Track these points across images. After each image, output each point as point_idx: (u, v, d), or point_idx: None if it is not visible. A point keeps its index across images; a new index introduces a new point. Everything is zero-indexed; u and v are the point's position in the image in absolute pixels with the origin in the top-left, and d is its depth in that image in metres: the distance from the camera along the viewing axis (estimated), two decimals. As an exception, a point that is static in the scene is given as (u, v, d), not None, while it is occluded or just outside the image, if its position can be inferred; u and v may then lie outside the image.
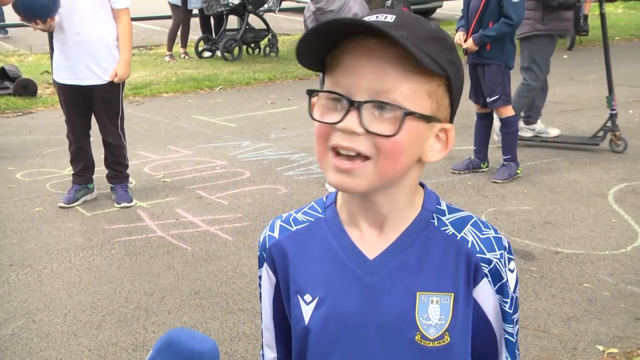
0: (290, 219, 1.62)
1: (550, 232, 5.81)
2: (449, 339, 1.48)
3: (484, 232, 1.51)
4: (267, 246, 1.61)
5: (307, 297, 1.52)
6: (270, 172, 7.40)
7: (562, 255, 5.38)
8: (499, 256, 1.50)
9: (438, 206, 1.54)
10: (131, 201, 6.57)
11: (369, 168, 1.39)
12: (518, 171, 6.85)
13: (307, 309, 1.52)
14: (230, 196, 6.74)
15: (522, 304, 4.69)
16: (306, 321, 1.53)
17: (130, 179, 6.80)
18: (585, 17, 12.69)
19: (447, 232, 1.51)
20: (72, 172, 6.67)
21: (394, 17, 1.38)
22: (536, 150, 7.73)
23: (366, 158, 1.38)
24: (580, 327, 4.44)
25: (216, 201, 6.64)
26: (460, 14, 6.98)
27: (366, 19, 1.39)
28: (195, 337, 1.18)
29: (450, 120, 1.48)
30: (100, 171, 6.71)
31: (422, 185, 1.56)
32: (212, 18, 13.61)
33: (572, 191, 6.61)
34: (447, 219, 1.52)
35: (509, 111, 6.79)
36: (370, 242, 1.51)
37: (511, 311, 1.55)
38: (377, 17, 1.39)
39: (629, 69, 11.48)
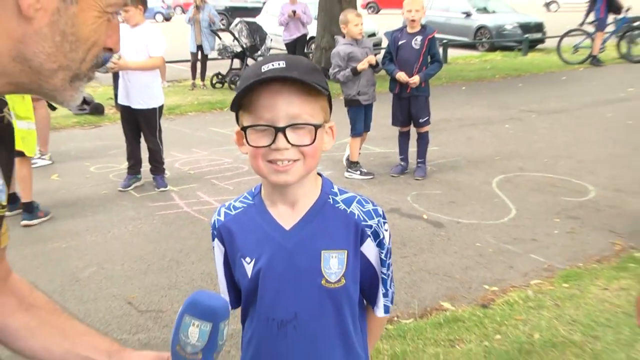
0: (231, 206, 1.61)
1: (454, 208, 5.83)
2: (344, 281, 1.50)
3: (365, 206, 1.53)
4: (217, 226, 1.61)
5: (248, 259, 1.53)
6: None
7: (462, 224, 5.41)
8: (377, 222, 1.52)
9: (332, 189, 1.56)
10: (166, 187, 6.54)
11: (299, 166, 1.42)
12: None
13: (248, 267, 1.53)
14: (234, 183, 6.69)
15: (434, 258, 4.77)
16: (249, 275, 1.53)
17: (166, 171, 6.75)
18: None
19: (339, 207, 1.52)
20: (127, 166, 6.65)
21: (284, 62, 1.38)
22: (444, 151, 7.74)
23: (297, 160, 1.41)
24: (474, 273, 4.49)
25: (224, 186, 6.60)
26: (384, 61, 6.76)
27: (264, 67, 1.39)
28: (212, 296, 1.19)
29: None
30: (146, 166, 6.67)
31: (320, 175, 1.57)
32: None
33: (468, 180, 6.65)
34: (339, 199, 1.54)
35: (427, 128, 6.80)
36: (286, 218, 1.51)
37: (386, 258, 1.57)
38: (272, 64, 1.38)
39: (504, 96, 11.55)
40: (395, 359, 3.38)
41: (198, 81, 13.49)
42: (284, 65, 1.38)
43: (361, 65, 6.39)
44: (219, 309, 1.15)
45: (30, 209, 5.58)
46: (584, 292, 4.11)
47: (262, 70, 1.39)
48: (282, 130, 1.38)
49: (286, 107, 1.37)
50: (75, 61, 1.01)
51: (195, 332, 1.13)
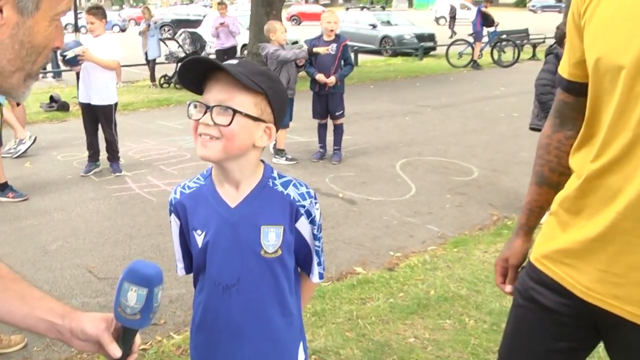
0: (185, 186, 1.56)
1: (365, 187, 5.81)
2: (280, 252, 1.47)
3: (299, 189, 1.50)
4: (173, 203, 1.56)
5: (199, 232, 1.49)
6: (204, 154, 7.11)
7: (372, 201, 5.40)
8: (309, 202, 1.49)
9: (272, 174, 1.51)
10: (121, 172, 6.28)
11: (217, 144, 1.38)
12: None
13: (199, 238, 1.49)
14: (178, 169, 6.47)
15: (348, 230, 4.73)
16: (199, 245, 1.50)
17: (121, 159, 6.47)
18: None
19: (278, 189, 1.48)
20: (88, 155, 6.36)
21: (238, 61, 1.40)
22: (356, 140, 7.69)
23: (218, 139, 1.37)
24: (381, 242, 4.48)
25: (170, 172, 6.38)
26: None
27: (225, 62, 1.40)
28: (147, 265, 1.13)
29: (276, 123, 1.45)
30: (104, 154, 6.38)
31: (263, 162, 1.53)
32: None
33: (376, 164, 6.66)
34: (278, 182, 1.50)
35: (342, 120, 6.75)
36: (232, 197, 1.47)
37: (318, 233, 1.54)
38: (230, 61, 1.40)
39: (404, 94, 11.67)
40: (316, 316, 3.33)
41: (149, 81, 13.17)
42: (235, 62, 1.39)
43: (317, 49, 6.31)
44: (153, 277, 1.11)
45: (2, 188, 5.50)
46: (469, 255, 4.17)
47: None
48: (211, 109, 1.36)
49: (219, 92, 1.37)
50: (29, 63, 1.02)
51: (134, 296, 1.10)
